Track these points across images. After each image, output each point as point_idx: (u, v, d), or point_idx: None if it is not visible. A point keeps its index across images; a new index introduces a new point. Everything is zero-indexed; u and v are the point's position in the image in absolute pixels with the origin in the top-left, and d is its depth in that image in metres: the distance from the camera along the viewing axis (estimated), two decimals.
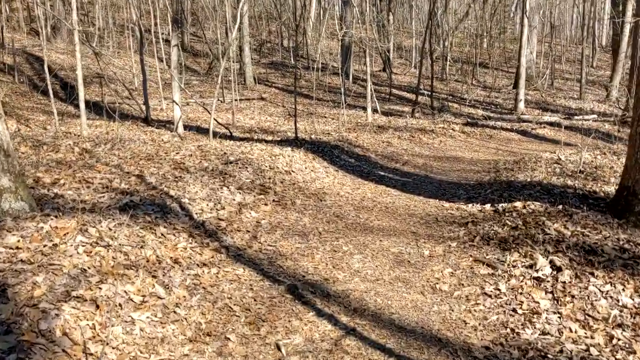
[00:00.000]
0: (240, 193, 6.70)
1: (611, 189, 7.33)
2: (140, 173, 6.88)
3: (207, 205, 6.17)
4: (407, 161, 9.91)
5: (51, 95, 10.44)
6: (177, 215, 5.70)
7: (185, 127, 12.38)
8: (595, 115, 17.05)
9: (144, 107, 12.90)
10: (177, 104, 11.14)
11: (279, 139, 11.11)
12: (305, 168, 8.32)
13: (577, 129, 15.16)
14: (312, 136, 11.39)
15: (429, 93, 17.21)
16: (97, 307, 3.91)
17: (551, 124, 15.62)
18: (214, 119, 12.00)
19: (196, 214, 5.89)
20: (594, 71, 29.45)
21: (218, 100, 17.71)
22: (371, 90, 15.51)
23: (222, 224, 5.77)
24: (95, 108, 13.17)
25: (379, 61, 26.23)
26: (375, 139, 11.53)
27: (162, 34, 26.80)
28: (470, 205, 6.88)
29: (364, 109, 16.57)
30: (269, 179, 7.41)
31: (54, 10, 22.01)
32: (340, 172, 8.62)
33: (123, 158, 7.73)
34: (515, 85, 21.81)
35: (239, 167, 7.57)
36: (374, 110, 16.48)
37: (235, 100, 17.34)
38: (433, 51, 16.51)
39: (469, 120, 15.65)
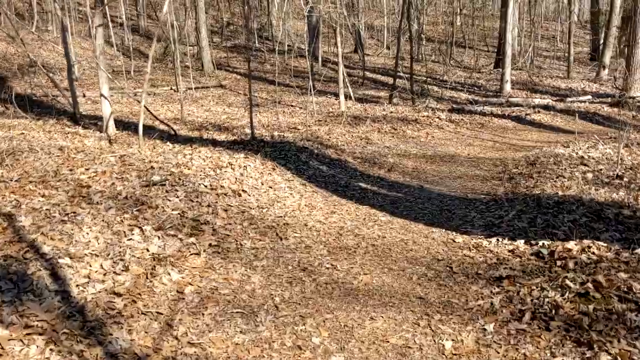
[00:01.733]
0: (159, 237, 4.39)
1: None
2: (14, 209, 4.52)
3: (101, 266, 3.85)
4: (394, 165, 7.67)
5: None
6: (40, 295, 3.38)
7: (124, 124, 9.96)
8: (589, 96, 15.03)
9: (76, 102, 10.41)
10: (105, 98, 8.71)
11: (233, 138, 8.77)
12: (262, 184, 6.02)
13: (575, 113, 13.11)
14: (275, 133, 9.07)
15: (407, 76, 14.97)
16: None
17: (545, 107, 13.54)
18: (154, 115, 9.62)
19: (77, 287, 3.57)
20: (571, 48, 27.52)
21: (171, 89, 15.24)
22: (343, 74, 13.21)
23: (117, 304, 3.47)
24: (28, 104, 10.65)
25: (350, 42, 23.87)
26: (351, 135, 9.25)
27: (117, 16, 23.99)
28: (493, 240, 4.67)
29: (336, 95, 14.27)
30: (208, 207, 5.10)
31: None
32: (308, 187, 6.34)
33: (5, 181, 5.35)
34: (497, 65, 19.71)
35: (166, 191, 5.24)
36: (347, 97, 14.21)
37: (190, 89, 14.91)
38: (411, 29, 14.22)
39: (453, 106, 13.48)
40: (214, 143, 7.95)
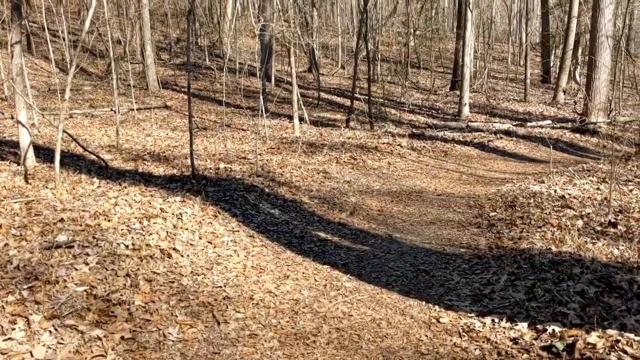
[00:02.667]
0: (52, 331, 3.20)
1: None
2: None
3: None
4: (356, 206, 6.63)
5: None
6: None
7: (51, 153, 8.62)
8: (549, 121, 14.49)
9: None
10: (23, 125, 7.39)
11: (172, 172, 7.58)
12: (200, 238, 4.87)
13: (537, 139, 12.47)
14: (221, 166, 7.93)
15: (365, 97, 14.09)
16: None
17: (506, 133, 12.86)
18: (80, 143, 8.32)
19: None
20: (522, 70, 27.41)
21: (111, 110, 13.87)
22: (298, 96, 12.20)
23: None
24: None
25: (304, 61, 22.95)
26: (306, 168, 8.19)
27: (58, 30, 22.33)
28: (487, 321, 3.66)
29: (289, 117, 13.26)
30: (126, 277, 3.93)
31: None
32: (257, 240, 5.22)
33: None
34: (453, 87, 19.14)
35: (74, 255, 4.04)
36: (302, 120, 13.21)
37: (132, 110, 13.60)
38: (367, 49, 13.35)
39: (413, 130, 12.64)
40: (148, 180, 6.75)
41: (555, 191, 6.96)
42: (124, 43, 19.84)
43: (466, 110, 15.22)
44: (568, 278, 4.07)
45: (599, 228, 5.38)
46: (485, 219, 6.00)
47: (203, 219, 5.28)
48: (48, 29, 19.61)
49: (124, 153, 9.13)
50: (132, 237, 4.48)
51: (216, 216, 5.45)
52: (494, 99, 17.64)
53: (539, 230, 5.25)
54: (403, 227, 5.92)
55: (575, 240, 4.88)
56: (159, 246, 4.48)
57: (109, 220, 4.78)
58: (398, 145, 10.67)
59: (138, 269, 4.06)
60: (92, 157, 8.29)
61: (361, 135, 11.72)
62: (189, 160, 8.48)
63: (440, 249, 5.21)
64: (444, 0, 29.65)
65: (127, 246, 4.33)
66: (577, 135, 12.96)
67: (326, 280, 4.44)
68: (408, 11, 22.57)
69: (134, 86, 16.99)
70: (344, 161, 8.99)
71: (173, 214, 5.21)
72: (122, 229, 4.61)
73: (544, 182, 7.53)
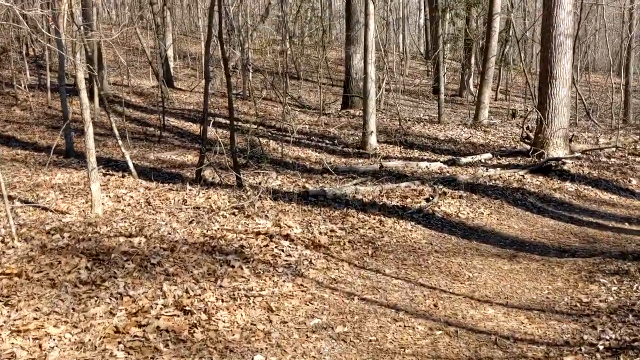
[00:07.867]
0: None
1: None
2: None
3: None
4: None
5: None
6: None
7: None
8: (489, 154, 9.72)
9: None
10: None
11: None
12: None
13: (494, 191, 7.60)
14: None
15: (236, 124, 8.38)
16: None
17: (445, 181, 7.83)
18: None
19: None
20: (409, 80, 23.14)
21: None
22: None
23: None
24: None
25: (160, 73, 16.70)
26: None
27: None
28: None
29: (117, 165, 7.33)
30: None
31: None
32: None
33: None
34: (346, 105, 14.01)
35: None
36: (123, 171, 7.37)
37: None
38: (224, 52, 7.57)
39: (307, 187, 7.23)
40: None
41: None
42: None
43: (373, 141, 10.10)
44: None
45: None
46: None
47: None
48: None
49: None
50: None
51: None
52: (402, 120, 12.70)
53: None
54: None
55: None
56: None
57: None
58: (285, 236, 5.16)
59: None
60: None
61: (218, 205, 6.10)
62: None
63: None
64: (317, 3, 24.38)
65: None
66: (541, 178, 8.28)
67: None
68: (283, 13, 17.14)
69: None
70: (162, 330, 3.31)
71: None
72: None
73: None
